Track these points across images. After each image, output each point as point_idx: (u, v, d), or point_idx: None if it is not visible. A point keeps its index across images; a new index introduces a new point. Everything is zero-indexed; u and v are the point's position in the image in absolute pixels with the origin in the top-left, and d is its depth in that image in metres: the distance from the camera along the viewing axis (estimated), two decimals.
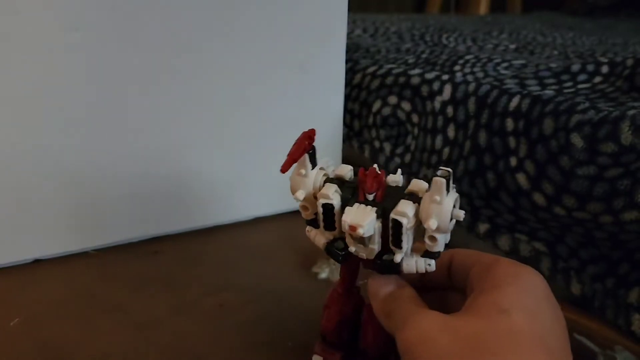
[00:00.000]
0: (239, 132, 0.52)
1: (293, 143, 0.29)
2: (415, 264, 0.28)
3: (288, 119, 0.53)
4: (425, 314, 0.26)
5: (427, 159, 0.56)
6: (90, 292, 0.43)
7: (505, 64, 0.65)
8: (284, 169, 0.28)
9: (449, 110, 0.54)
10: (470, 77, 0.58)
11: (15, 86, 0.42)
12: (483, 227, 0.49)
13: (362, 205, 0.27)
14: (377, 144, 0.63)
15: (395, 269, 0.28)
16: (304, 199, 0.29)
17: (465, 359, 0.22)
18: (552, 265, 0.44)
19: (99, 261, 0.48)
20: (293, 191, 0.29)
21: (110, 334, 0.39)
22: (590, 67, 0.57)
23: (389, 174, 0.29)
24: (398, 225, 0.26)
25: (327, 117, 0.57)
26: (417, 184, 0.28)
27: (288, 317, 0.41)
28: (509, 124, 0.47)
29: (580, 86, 0.55)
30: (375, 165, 0.28)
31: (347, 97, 0.66)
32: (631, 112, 0.39)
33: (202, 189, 0.52)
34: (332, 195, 0.28)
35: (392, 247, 0.28)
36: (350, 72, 0.67)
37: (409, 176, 0.51)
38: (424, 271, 0.28)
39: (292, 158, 0.28)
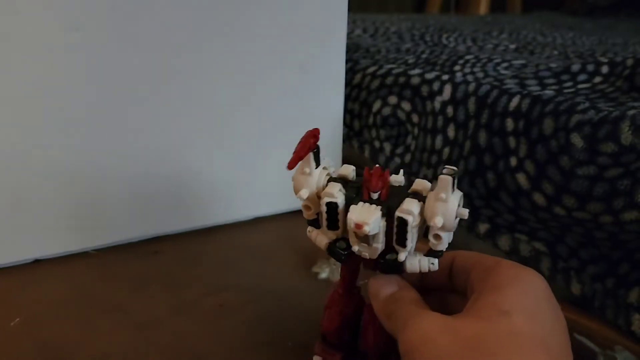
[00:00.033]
0: (239, 132, 0.52)
1: (298, 141, 0.29)
2: (418, 263, 0.28)
3: (288, 119, 0.53)
4: (426, 315, 0.26)
5: (427, 159, 0.56)
6: (90, 292, 0.43)
7: (505, 64, 0.65)
8: (290, 166, 0.28)
9: (449, 110, 0.54)
10: (470, 77, 0.58)
11: (15, 86, 0.42)
12: (483, 227, 0.49)
13: (367, 204, 0.27)
14: (377, 144, 0.63)
15: (398, 268, 0.28)
16: (307, 198, 0.29)
17: None
18: (552, 265, 0.44)
19: (99, 261, 0.48)
20: (296, 190, 0.29)
21: (110, 334, 0.39)
22: (590, 67, 0.57)
23: (392, 174, 0.29)
24: (403, 223, 0.26)
25: (327, 117, 0.57)
26: (421, 183, 0.28)
27: (288, 317, 0.41)
28: (509, 124, 0.47)
29: (580, 86, 0.55)
30: (377, 166, 0.28)
31: (347, 97, 0.66)
32: (631, 112, 0.39)
33: (202, 189, 0.52)
34: (337, 194, 0.28)
35: (396, 246, 0.28)
36: (350, 72, 0.67)
37: (409, 176, 0.51)
38: (427, 270, 0.28)
39: (299, 155, 0.28)
